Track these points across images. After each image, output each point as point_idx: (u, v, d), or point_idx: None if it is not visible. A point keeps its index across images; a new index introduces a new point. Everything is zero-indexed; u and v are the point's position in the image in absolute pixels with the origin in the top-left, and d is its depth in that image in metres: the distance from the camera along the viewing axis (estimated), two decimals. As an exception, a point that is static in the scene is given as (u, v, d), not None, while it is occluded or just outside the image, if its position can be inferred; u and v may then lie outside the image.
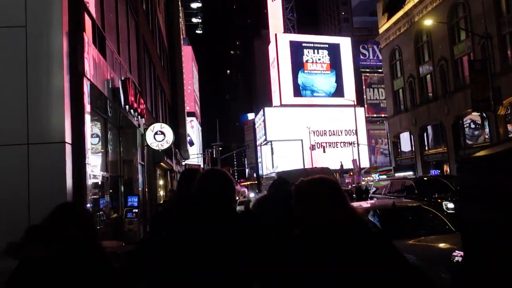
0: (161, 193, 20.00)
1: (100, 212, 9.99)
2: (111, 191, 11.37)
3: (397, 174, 30.18)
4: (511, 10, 23.11)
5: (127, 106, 9.98)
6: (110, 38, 9.69)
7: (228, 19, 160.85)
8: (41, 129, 6.08)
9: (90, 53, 7.51)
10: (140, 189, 13.09)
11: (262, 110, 64.30)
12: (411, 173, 30.07)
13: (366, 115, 63.75)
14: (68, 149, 6.23)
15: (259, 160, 74.45)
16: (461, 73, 27.50)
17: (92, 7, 8.19)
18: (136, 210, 11.20)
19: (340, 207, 1.95)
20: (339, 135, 62.21)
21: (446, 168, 30.57)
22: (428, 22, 25.68)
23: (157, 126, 13.89)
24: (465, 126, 27.42)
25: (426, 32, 30.67)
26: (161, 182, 20.03)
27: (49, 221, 2.44)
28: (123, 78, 9.79)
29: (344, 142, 60.30)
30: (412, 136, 33.35)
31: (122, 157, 12.02)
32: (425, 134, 32.05)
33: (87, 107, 7.11)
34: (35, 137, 6.06)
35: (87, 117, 7.06)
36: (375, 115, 66.56)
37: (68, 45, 6.46)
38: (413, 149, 33.13)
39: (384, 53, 38.10)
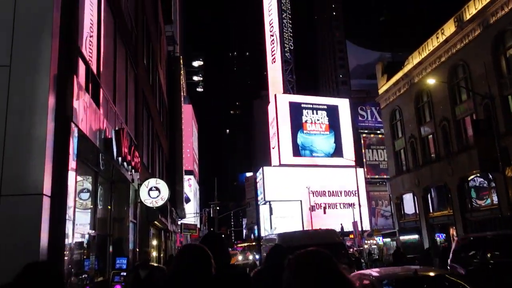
0: (154, 254, 18.84)
1: (84, 275, 9.03)
2: (98, 251, 10.44)
3: (401, 237, 29.00)
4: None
5: (119, 158, 9.30)
6: (106, 87, 9.20)
7: (228, 80, 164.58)
8: (17, 179, 5.36)
9: (81, 99, 6.93)
10: (130, 249, 12.11)
11: (261, 169, 63.75)
12: (416, 236, 28.90)
13: (366, 176, 63.31)
14: (46, 202, 5.47)
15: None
16: (464, 134, 27.17)
17: (87, 52, 7.73)
18: (124, 274, 10.18)
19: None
20: (338, 196, 61.20)
21: (452, 231, 29.43)
22: (431, 81, 25.68)
23: (152, 182, 13.13)
24: (471, 187, 26.65)
25: (426, 93, 30.74)
26: (154, 242, 18.92)
27: (14, 283, 2.30)
28: (117, 128, 9.18)
29: (344, 203, 59.22)
30: (415, 197, 32.48)
31: (112, 214, 11.15)
32: (429, 196, 31.19)
33: (73, 157, 6.42)
34: (8, 187, 5.32)
35: (72, 168, 6.34)
36: (375, 176, 66.28)
37: (56, 88, 5.88)
38: (417, 211, 32.12)
39: (384, 113, 38.11)
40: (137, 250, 12.62)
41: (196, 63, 36.10)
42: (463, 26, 26.06)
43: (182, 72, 31.73)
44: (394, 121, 36.19)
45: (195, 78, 38.01)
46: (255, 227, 69.51)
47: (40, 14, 5.83)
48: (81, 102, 6.90)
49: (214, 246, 2.92)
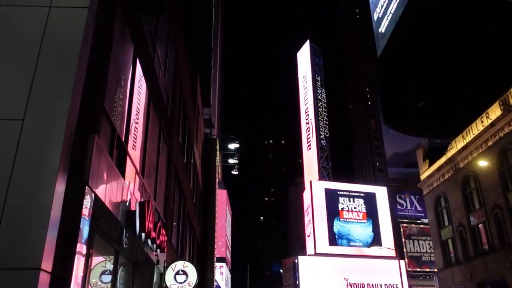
0: None
1: None
2: None
3: None
4: None
5: (143, 235, 8.39)
6: (133, 154, 8.57)
7: (263, 167, 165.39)
8: (12, 251, 4.51)
9: (102, 164, 6.24)
10: None
11: (295, 258, 61.12)
12: None
13: (407, 269, 59.55)
14: (44, 279, 4.53)
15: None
16: (520, 223, 24.87)
17: (113, 115, 7.20)
18: None
19: None
20: (379, 288, 57.24)
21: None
22: (483, 163, 24.13)
23: (179, 265, 11.98)
24: (533, 284, 23.77)
25: (474, 178, 28.93)
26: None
27: None
28: (142, 200, 8.39)
29: (384, 300, 55.05)
30: (468, 293, 29.29)
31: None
32: (484, 292, 28.05)
33: (86, 228, 5.56)
34: (3, 259, 4.46)
35: (83, 241, 5.46)
36: (417, 269, 62.57)
37: (71, 147, 5.21)
38: (472, 310, 28.78)
39: (427, 200, 36.06)
40: None
41: (232, 146, 36.09)
42: (509, 109, 24.98)
43: (218, 154, 31.56)
44: (439, 208, 34.01)
45: (231, 161, 37.82)
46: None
47: (66, 61, 5.34)
48: (101, 167, 6.20)
49: None
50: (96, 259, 8.93)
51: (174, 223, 15.06)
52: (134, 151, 8.78)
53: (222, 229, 60.20)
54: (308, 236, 64.40)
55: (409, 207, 69.48)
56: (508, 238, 25.30)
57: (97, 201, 6.02)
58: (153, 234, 8.94)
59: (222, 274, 58.79)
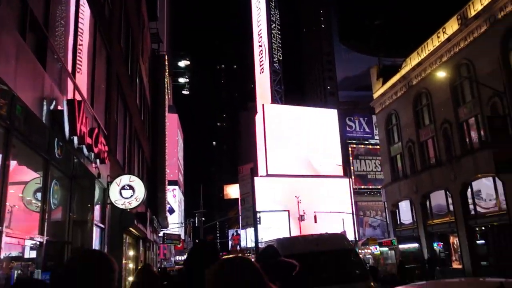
0: (131, 266, 16.53)
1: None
2: (50, 262, 8.26)
3: (400, 246, 27.06)
4: (521, 69, 21.63)
5: (75, 139, 7.18)
6: (58, 45, 7.10)
7: (215, 92, 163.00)
8: None
9: (7, 41, 4.85)
10: (95, 260, 9.90)
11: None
12: (416, 245, 26.97)
13: (354, 187, 62.32)
14: None
15: (240, 232, 70.14)
16: (467, 137, 25.50)
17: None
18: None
19: None
20: (328, 206, 59.76)
21: (452, 240, 27.60)
22: (441, 74, 23.99)
23: (124, 179, 10.95)
24: (475, 192, 24.89)
25: (426, 95, 29.12)
26: (130, 253, 16.62)
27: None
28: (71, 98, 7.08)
29: (332, 213, 57.77)
30: (413, 205, 30.63)
31: (71, 216, 8.97)
32: (427, 203, 29.36)
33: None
34: None
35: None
36: (362, 187, 65.75)
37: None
38: (415, 219, 30.25)
39: (379, 118, 36.45)
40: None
41: (182, 63, 34.04)
42: (467, 23, 24.54)
43: (166, 73, 29.69)
44: (390, 125, 34.51)
45: (181, 79, 35.91)
46: (241, 238, 67.12)
47: None
48: (7, 45, 4.82)
49: (208, 254, 2.77)
50: (30, 175, 7.75)
51: (119, 139, 13.83)
52: (59, 41, 7.29)
53: (174, 152, 59.37)
54: (260, 158, 65.14)
55: (357, 129, 71.36)
56: (455, 151, 26.06)
57: (5, 93, 4.73)
58: (88, 140, 7.74)
59: (175, 196, 58.94)
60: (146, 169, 22.34)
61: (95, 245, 9.95)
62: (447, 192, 26.83)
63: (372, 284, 9.40)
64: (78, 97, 8.11)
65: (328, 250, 10.07)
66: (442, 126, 27.11)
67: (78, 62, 8.32)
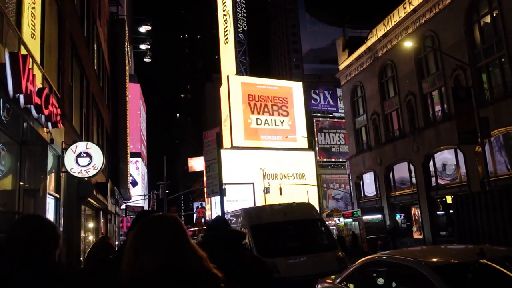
0: (90, 238, 15.87)
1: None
2: (0, 234, 7.56)
3: (364, 217, 27.50)
4: (485, 41, 21.80)
5: (21, 98, 6.44)
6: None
7: (178, 63, 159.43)
8: None
9: None
10: (49, 232, 9.25)
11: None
12: (380, 216, 27.49)
13: (318, 160, 62.89)
14: None
15: (206, 205, 69.83)
16: (431, 109, 25.81)
17: None
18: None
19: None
20: (293, 178, 60.18)
21: (414, 211, 28.29)
22: (408, 44, 23.95)
23: (81, 146, 10.20)
24: (437, 164, 25.40)
25: (391, 67, 29.17)
26: (90, 225, 15.93)
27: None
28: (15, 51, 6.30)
29: (297, 186, 58.33)
30: (377, 177, 31.08)
31: (22, 185, 8.24)
32: (391, 174, 29.85)
33: None
34: None
35: None
36: (325, 159, 66.47)
37: None
38: (379, 191, 30.77)
39: (344, 90, 36.45)
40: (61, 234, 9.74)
41: (143, 29, 32.54)
42: (433, -6, 24.47)
43: (126, 38, 28.27)
44: (355, 98, 34.58)
45: (143, 46, 34.46)
46: (205, 210, 66.99)
47: None
48: None
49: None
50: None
51: (75, 104, 12.93)
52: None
53: (136, 123, 57.89)
54: (225, 131, 64.54)
55: (322, 102, 71.64)
56: (418, 124, 26.38)
57: None
58: (37, 100, 6.99)
59: (138, 169, 57.72)
60: (107, 139, 21.38)
61: (50, 215, 9.27)
62: (410, 164, 27.28)
63: (340, 254, 9.24)
64: (24, 52, 7.29)
65: (296, 219, 9.83)
66: (406, 98, 27.32)
67: (23, 14, 7.44)
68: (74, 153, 10.04)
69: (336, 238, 13.28)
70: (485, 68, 21.73)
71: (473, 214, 13.34)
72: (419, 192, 26.23)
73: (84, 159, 10.09)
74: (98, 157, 10.25)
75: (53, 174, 9.89)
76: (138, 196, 41.92)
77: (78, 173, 10.03)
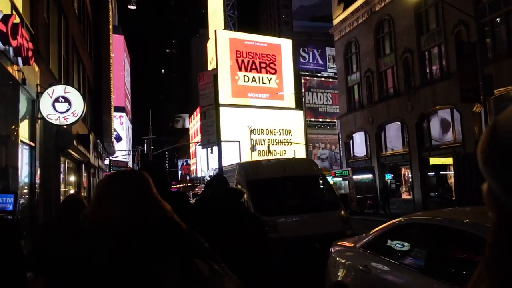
0: (72, 192, 14.98)
1: None
2: None
3: (354, 177, 27.07)
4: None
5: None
6: None
7: (164, 16, 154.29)
8: None
9: None
10: (25, 182, 8.36)
11: (198, 110, 60.05)
12: (370, 175, 27.08)
13: (305, 119, 62.35)
14: None
15: (191, 162, 68.99)
16: (428, 67, 24.91)
17: None
18: (10, 217, 6.53)
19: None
20: (279, 134, 59.84)
21: (404, 171, 27.96)
22: (401, 5, 22.68)
23: (59, 90, 9.12)
24: (431, 124, 24.81)
25: (388, 22, 27.94)
26: (71, 178, 15.00)
27: None
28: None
29: (284, 144, 57.93)
30: (368, 136, 30.49)
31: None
32: (382, 134, 29.27)
33: None
34: None
35: None
36: (313, 119, 65.99)
37: None
38: (369, 150, 30.26)
39: (338, 46, 35.20)
40: (37, 185, 8.80)
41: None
42: None
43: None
44: (348, 54, 33.42)
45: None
46: (191, 168, 66.39)
47: None
48: None
49: (156, 175, 2.33)
50: None
51: (52, 45, 11.68)
52: None
53: (120, 76, 56.02)
54: (212, 87, 63.12)
55: (311, 61, 70.41)
56: (414, 82, 25.56)
57: None
58: (1, 27, 5.88)
59: (122, 124, 56.30)
60: (89, 89, 20.10)
61: (24, 165, 8.32)
62: (403, 124, 26.66)
63: (343, 213, 8.54)
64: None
65: (296, 175, 9.03)
66: (403, 55, 26.32)
67: None
68: (51, 97, 8.98)
69: (339, 196, 12.53)
70: (490, 24, 20.71)
71: (475, 175, 12.87)
72: (410, 153, 25.75)
73: (62, 105, 9.05)
74: (78, 103, 9.22)
75: (27, 121, 8.86)
76: (122, 151, 40.87)
77: (56, 120, 9.01)
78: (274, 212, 8.06)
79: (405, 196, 27.41)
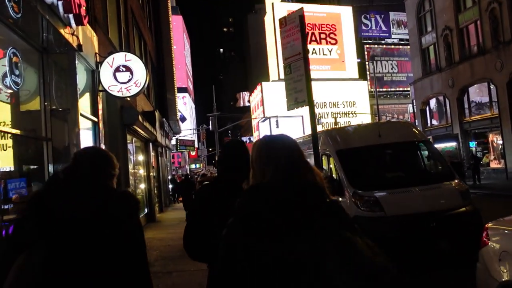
0: (141, 172, 14.43)
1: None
2: (25, 166, 5.95)
3: (436, 146, 24.71)
4: None
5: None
6: None
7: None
8: None
9: None
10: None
11: (259, 85, 59.38)
12: (454, 143, 24.56)
13: (369, 89, 59.56)
14: None
15: (253, 139, 68.68)
16: (521, 17, 21.86)
17: None
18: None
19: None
20: (343, 107, 57.82)
21: (492, 137, 25.19)
22: None
23: (119, 58, 8.20)
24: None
25: (469, -30, 24.91)
26: (140, 158, 14.40)
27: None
28: None
29: (347, 115, 55.91)
30: (448, 100, 27.79)
31: (48, 105, 6.42)
32: (465, 97, 26.49)
33: None
34: None
35: None
36: (379, 89, 62.96)
37: None
38: (450, 116, 27.59)
39: (409, 5, 32.26)
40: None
41: None
42: None
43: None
44: (421, 13, 30.50)
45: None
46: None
47: None
48: None
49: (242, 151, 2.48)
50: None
51: (110, 15, 10.86)
52: None
53: (182, 56, 56.14)
54: (271, 62, 61.94)
55: (374, 28, 66.85)
56: (503, 36, 22.59)
57: None
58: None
59: (185, 104, 56.81)
60: (151, 65, 19.48)
61: (87, 142, 7.52)
62: (491, 84, 23.83)
63: (459, 184, 6.96)
64: None
65: (396, 142, 7.53)
66: (488, 7, 23.30)
67: None
68: (111, 67, 8.08)
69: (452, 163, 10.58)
70: None
71: None
72: (501, 116, 22.97)
73: (124, 74, 8.13)
74: (140, 72, 8.25)
75: (88, 94, 8.04)
76: (188, 130, 40.84)
77: (118, 91, 8.12)
78: (374, 186, 6.68)
79: (494, 165, 24.74)
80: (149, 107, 15.34)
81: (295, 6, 60.99)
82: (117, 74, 8.05)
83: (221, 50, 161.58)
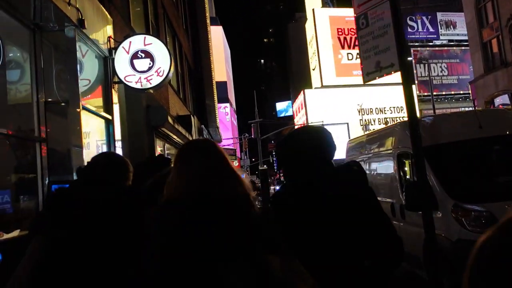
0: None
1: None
2: (11, 175, 4.50)
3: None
4: None
5: None
6: None
7: (259, 6, 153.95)
8: None
9: None
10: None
11: (301, 92, 58.37)
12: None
13: (418, 94, 56.80)
14: None
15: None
16: None
17: None
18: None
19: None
20: (390, 113, 55.55)
21: None
22: None
23: (137, 41, 6.63)
24: None
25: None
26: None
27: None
28: None
29: (395, 121, 53.31)
30: (516, 98, 24.95)
31: (41, 97, 4.93)
32: (537, 94, 23.64)
33: None
34: None
35: None
36: (426, 94, 60.38)
37: None
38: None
39: (465, -4, 29.61)
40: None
41: None
42: None
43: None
44: (481, 3, 27.79)
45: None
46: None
47: None
48: None
49: None
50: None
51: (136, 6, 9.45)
52: None
53: (222, 65, 55.52)
54: (313, 69, 60.62)
55: (420, 29, 64.48)
56: None
57: None
58: None
59: (227, 114, 56.07)
60: (188, 69, 18.13)
61: (97, 143, 5.98)
62: None
63: None
64: None
65: (503, 135, 5.52)
66: None
67: None
68: (128, 53, 6.54)
69: None
70: None
71: None
72: None
73: (143, 62, 6.56)
74: (162, 58, 6.65)
75: (100, 87, 6.53)
76: (229, 139, 39.59)
77: (136, 82, 6.54)
78: (482, 195, 4.70)
79: None
80: (185, 111, 13.91)
81: (336, 11, 59.63)
82: (135, 61, 6.50)
83: (262, 61, 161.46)
